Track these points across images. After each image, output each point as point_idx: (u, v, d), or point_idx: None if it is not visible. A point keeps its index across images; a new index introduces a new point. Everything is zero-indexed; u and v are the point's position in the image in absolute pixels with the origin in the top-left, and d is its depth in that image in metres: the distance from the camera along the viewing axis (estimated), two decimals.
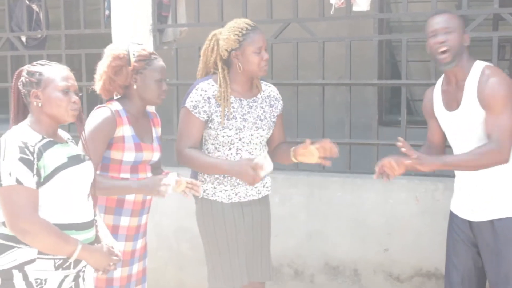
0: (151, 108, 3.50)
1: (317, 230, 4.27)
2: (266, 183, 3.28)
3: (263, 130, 3.17)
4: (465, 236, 3.14)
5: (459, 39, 3.01)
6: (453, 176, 4.07)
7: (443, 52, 2.98)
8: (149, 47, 4.71)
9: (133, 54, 3.02)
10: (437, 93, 3.18)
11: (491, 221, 3.03)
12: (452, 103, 3.07)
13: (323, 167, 4.40)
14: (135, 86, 3.03)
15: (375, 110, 4.38)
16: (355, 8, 4.52)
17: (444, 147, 3.28)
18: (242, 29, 3.11)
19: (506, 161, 2.94)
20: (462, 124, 3.04)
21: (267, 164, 3.00)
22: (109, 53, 3.06)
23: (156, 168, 3.19)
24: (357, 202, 4.20)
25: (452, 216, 3.25)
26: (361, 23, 4.66)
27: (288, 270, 4.35)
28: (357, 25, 4.76)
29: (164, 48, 4.91)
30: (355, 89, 4.48)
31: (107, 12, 4.98)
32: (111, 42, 4.56)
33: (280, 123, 3.32)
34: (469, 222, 3.11)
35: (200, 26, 4.84)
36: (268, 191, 3.30)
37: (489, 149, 2.92)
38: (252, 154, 3.14)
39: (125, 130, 3.00)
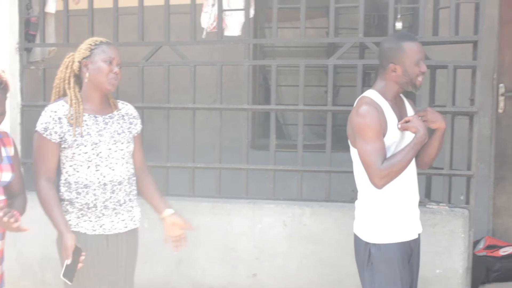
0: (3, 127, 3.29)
1: (187, 256, 4.22)
2: (134, 216, 3.17)
3: (122, 143, 3.07)
4: (407, 262, 3.09)
5: None
6: (321, 201, 4.16)
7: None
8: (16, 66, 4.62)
9: None
10: (387, 108, 3.08)
11: (419, 234, 3.17)
12: (399, 118, 3.09)
13: (193, 192, 4.38)
14: None
15: (245, 134, 4.40)
16: (226, 33, 4.55)
17: None
18: (96, 41, 3.07)
19: None
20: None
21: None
22: None
23: (14, 194, 3.02)
24: (227, 227, 4.18)
25: (394, 248, 3.04)
26: (235, 48, 4.67)
27: None
28: (231, 49, 4.76)
29: (31, 68, 4.75)
30: (228, 113, 4.48)
31: None
32: None
33: (139, 145, 3.24)
34: (410, 241, 3.10)
35: (70, 46, 4.67)
36: (136, 225, 3.19)
37: None
38: (114, 170, 3.04)
39: None
